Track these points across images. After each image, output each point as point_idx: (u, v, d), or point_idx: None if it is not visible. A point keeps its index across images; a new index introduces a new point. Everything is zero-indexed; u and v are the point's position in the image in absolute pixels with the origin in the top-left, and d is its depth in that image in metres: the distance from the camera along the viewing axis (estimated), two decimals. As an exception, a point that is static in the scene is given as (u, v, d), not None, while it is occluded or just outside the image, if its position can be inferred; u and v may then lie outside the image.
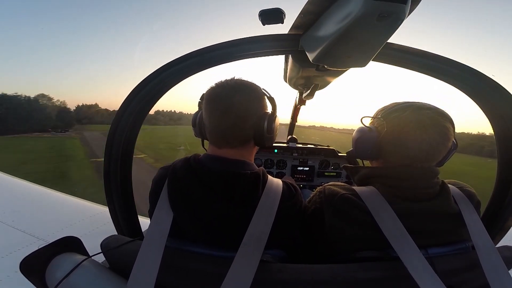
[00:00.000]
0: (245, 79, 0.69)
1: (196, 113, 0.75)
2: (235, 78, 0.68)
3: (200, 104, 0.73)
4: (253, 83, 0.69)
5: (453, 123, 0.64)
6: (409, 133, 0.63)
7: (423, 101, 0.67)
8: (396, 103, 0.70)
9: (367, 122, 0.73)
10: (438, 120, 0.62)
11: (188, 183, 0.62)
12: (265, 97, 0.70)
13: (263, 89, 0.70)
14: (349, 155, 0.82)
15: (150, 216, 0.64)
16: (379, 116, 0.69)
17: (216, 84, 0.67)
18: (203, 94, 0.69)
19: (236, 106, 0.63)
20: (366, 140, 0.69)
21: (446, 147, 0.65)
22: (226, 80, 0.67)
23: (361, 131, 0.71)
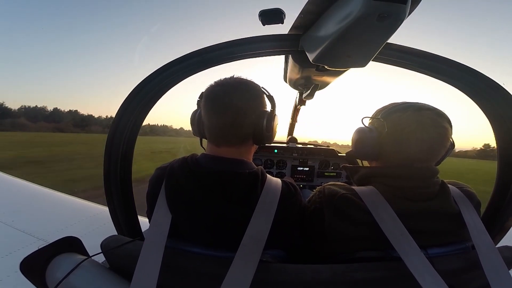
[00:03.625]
0: (245, 77, 0.69)
1: (195, 111, 0.75)
2: (235, 77, 0.68)
3: (199, 102, 0.73)
4: (252, 81, 0.69)
5: (451, 123, 0.65)
6: (410, 134, 0.63)
7: (422, 102, 0.67)
8: (394, 103, 0.70)
9: (366, 122, 0.73)
10: (438, 121, 0.63)
11: (186, 184, 0.62)
12: (264, 95, 0.70)
13: (262, 87, 0.71)
14: (349, 155, 0.82)
15: (149, 217, 0.64)
16: (379, 117, 0.69)
17: (215, 82, 0.67)
18: (202, 92, 0.70)
19: (235, 104, 0.63)
20: (366, 141, 0.69)
21: (445, 147, 0.66)
22: (225, 79, 0.67)
23: (361, 131, 0.71)
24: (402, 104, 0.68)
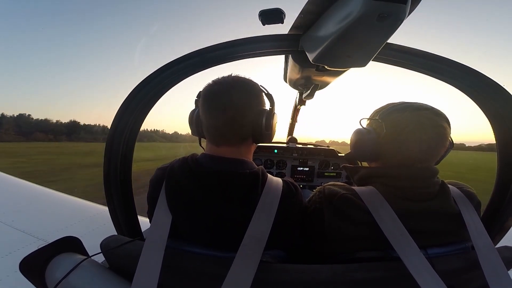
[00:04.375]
0: (243, 76, 0.68)
1: (193, 111, 0.74)
2: (233, 75, 0.68)
3: (196, 101, 0.73)
4: (251, 80, 0.69)
5: (449, 122, 0.65)
6: (408, 134, 0.63)
7: (419, 102, 0.67)
8: (392, 103, 0.70)
9: (364, 123, 0.73)
10: (436, 120, 0.63)
11: (186, 184, 0.62)
12: (263, 93, 0.70)
13: (260, 85, 0.70)
14: (348, 157, 0.82)
15: (149, 217, 0.64)
16: (377, 118, 0.69)
17: (213, 81, 0.67)
18: (200, 91, 0.69)
19: (234, 103, 0.63)
20: (365, 142, 0.69)
21: (444, 147, 0.65)
22: (223, 77, 0.67)
23: (360, 133, 0.71)
24: (400, 104, 0.68)
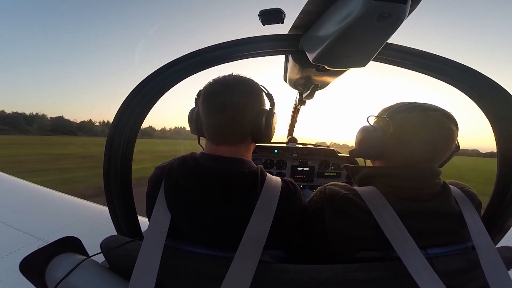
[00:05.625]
0: (243, 75, 0.69)
1: (193, 109, 0.74)
2: (233, 74, 0.68)
3: (196, 100, 0.73)
4: (251, 79, 0.69)
5: (457, 125, 0.65)
6: (415, 134, 0.63)
7: (428, 102, 0.67)
8: (401, 103, 0.70)
9: (371, 121, 0.73)
10: (444, 122, 0.63)
11: (185, 183, 0.62)
12: (263, 93, 0.70)
13: (261, 85, 0.71)
14: (352, 154, 0.82)
15: (148, 217, 0.65)
16: (385, 116, 0.69)
17: (214, 80, 0.67)
18: (200, 90, 0.69)
19: (234, 102, 0.63)
20: (371, 140, 0.69)
21: (449, 149, 0.65)
22: (224, 76, 0.67)
23: (366, 130, 0.71)
24: (408, 104, 0.67)
